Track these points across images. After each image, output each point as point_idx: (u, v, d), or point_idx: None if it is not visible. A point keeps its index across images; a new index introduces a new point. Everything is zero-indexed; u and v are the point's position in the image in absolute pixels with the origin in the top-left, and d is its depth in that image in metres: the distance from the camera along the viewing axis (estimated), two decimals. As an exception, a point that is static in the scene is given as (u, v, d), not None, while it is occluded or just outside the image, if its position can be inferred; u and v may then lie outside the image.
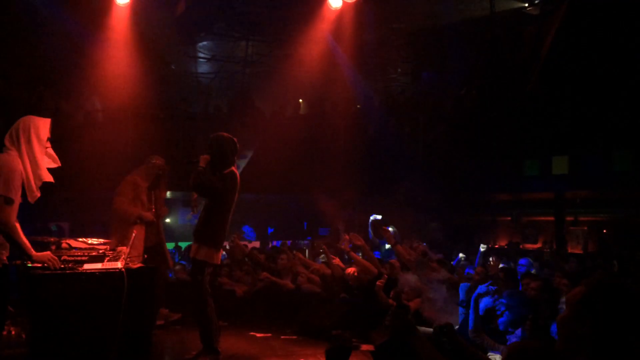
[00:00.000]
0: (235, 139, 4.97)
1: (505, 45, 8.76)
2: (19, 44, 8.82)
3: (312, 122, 11.65)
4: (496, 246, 12.07)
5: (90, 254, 4.29)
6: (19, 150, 3.79)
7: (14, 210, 3.70)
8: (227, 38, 12.16)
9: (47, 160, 3.99)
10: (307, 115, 12.48)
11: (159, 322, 6.03)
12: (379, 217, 9.82)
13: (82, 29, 9.43)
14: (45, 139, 3.93)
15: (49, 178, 3.97)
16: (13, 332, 5.38)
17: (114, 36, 9.49)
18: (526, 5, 10.20)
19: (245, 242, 9.99)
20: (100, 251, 4.38)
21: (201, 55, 13.00)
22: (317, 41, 10.81)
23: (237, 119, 11.08)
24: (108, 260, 4.25)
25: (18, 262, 3.93)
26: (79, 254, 4.28)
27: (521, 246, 11.71)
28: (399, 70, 14.06)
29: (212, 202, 4.89)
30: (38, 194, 3.90)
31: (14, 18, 8.82)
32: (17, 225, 3.79)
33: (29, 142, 3.83)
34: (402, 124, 11.82)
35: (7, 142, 3.81)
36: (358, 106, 12.70)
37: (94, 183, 9.61)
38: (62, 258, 4.14)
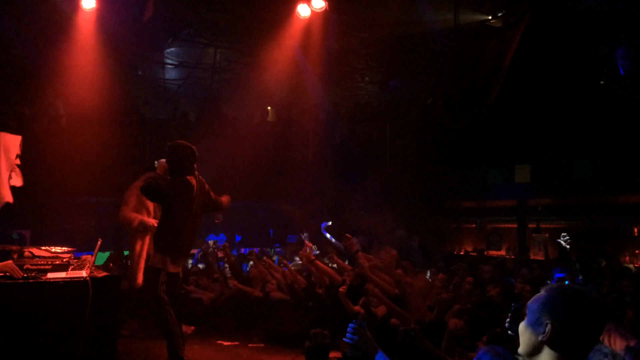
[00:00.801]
0: (193, 147, 4.99)
1: (469, 57, 8.96)
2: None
3: (280, 130, 11.66)
4: (461, 252, 12.28)
5: (54, 263, 4.23)
6: None
7: None
8: (195, 45, 12.09)
9: (13, 178, 3.93)
10: (275, 123, 12.48)
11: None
12: (329, 223, 9.96)
13: (46, 33, 9.27)
14: (14, 156, 3.85)
15: (8, 198, 3.89)
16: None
17: (79, 41, 9.34)
18: (489, 17, 10.48)
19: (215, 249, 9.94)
20: (65, 260, 4.32)
21: (169, 61, 12.90)
22: (285, 49, 10.84)
23: (205, 126, 11.02)
24: (72, 269, 4.19)
25: None
26: (43, 262, 4.22)
27: (485, 253, 11.94)
28: (367, 78, 14.21)
29: (163, 209, 4.96)
30: None
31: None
32: None
33: None
34: (370, 132, 11.94)
35: None
36: (321, 116, 12.77)
37: (57, 189, 9.41)
38: (25, 267, 4.07)
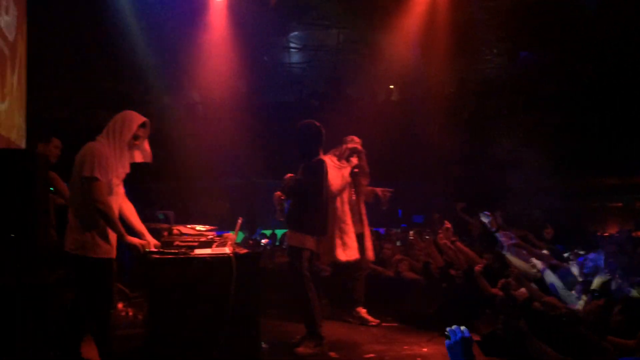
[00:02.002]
0: (320, 126, 4.97)
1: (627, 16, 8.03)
2: (126, 45, 9.33)
3: (404, 108, 11.46)
4: (605, 234, 11.30)
5: (200, 240, 4.46)
6: (106, 139, 3.92)
7: (105, 189, 3.77)
8: (317, 27, 12.19)
9: (134, 155, 4.16)
10: (399, 101, 12.29)
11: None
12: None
13: (182, 26, 9.83)
14: (131, 135, 4.02)
15: (124, 171, 4.08)
16: (130, 313, 5.74)
17: (211, 32, 9.81)
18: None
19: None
20: (209, 237, 4.55)
21: (292, 45, 13.14)
22: (408, 25, 10.57)
23: (329, 107, 11.11)
24: (216, 246, 4.40)
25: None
26: (190, 239, 4.47)
27: (633, 234, 10.89)
28: (495, 50, 13.45)
29: (302, 190, 4.96)
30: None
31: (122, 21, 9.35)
32: (124, 207, 3.99)
33: (116, 134, 3.94)
34: (499, 107, 11.34)
35: (103, 132, 3.99)
36: (451, 90, 12.31)
37: (195, 173, 10.05)
38: (175, 243, 4.34)
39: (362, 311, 5.91)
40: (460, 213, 7.68)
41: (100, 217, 3.74)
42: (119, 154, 3.97)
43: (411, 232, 8.90)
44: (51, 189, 4.87)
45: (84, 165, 3.69)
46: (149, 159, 4.27)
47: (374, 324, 5.83)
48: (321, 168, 4.91)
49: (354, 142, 6.02)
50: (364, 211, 6.08)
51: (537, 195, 9.45)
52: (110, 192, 3.85)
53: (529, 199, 9.01)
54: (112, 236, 3.92)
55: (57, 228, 4.58)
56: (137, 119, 4.08)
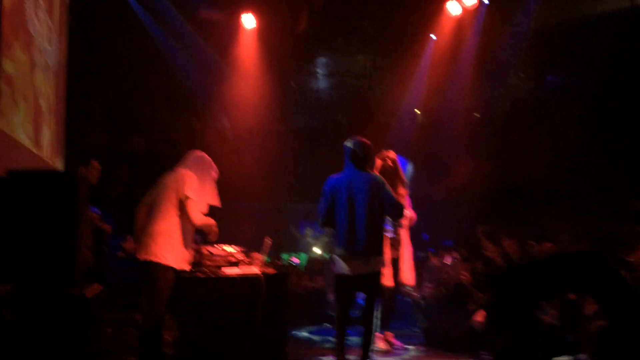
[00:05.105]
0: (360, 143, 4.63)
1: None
2: (159, 72, 9.72)
3: (431, 133, 11.52)
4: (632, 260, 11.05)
5: (229, 260, 4.60)
6: (196, 173, 4.42)
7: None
8: (344, 53, 12.42)
9: (210, 197, 4.53)
10: (425, 125, 12.36)
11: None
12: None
13: (213, 54, 10.17)
14: (214, 178, 4.58)
15: (204, 210, 4.46)
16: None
17: (241, 58, 10.12)
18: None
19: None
20: (238, 257, 4.69)
21: (319, 71, 13.39)
22: (434, 50, 10.72)
23: (357, 130, 11.23)
24: (245, 266, 4.54)
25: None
26: (219, 259, 4.62)
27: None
28: (521, 74, 13.48)
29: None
30: None
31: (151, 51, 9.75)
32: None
33: (204, 172, 4.50)
34: (527, 131, 11.32)
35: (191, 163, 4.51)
36: (477, 115, 12.35)
37: (223, 196, 10.22)
38: (205, 263, 4.49)
39: (389, 335, 5.90)
40: (480, 236, 7.61)
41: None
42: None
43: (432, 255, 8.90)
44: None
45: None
46: (218, 204, 4.62)
47: (400, 348, 5.81)
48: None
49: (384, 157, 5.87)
50: (400, 233, 5.76)
51: (566, 219, 9.34)
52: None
53: (557, 223, 8.90)
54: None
55: (94, 250, 4.81)
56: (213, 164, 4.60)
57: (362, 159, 4.52)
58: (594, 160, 9.23)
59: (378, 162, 5.67)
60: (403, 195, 5.57)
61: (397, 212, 4.55)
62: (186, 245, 4.33)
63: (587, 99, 10.07)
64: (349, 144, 4.60)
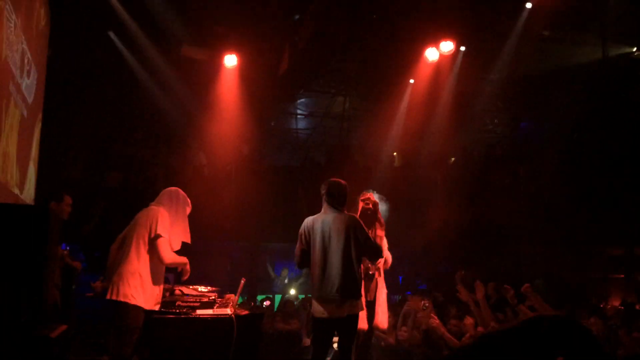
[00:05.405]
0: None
1: (618, 89, 8.38)
2: (139, 108, 9.71)
3: (408, 174, 11.63)
4: (608, 306, 11.13)
5: (201, 300, 4.50)
6: (169, 210, 4.40)
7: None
8: (324, 94, 12.60)
9: (182, 234, 4.47)
10: (402, 167, 12.48)
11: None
12: None
13: (194, 91, 10.21)
14: (186, 214, 4.55)
15: (176, 247, 4.40)
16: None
17: (221, 96, 10.17)
18: (634, 50, 9.80)
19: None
20: (211, 298, 4.59)
21: (299, 111, 13.53)
22: (412, 94, 10.94)
23: (334, 171, 11.27)
24: (217, 307, 4.44)
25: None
26: (192, 300, 4.51)
27: (637, 306, 10.73)
28: (496, 120, 13.80)
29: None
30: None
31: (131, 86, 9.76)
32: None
33: (179, 209, 4.48)
34: (502, 176, 11.49)
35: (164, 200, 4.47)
36: (452, 159, 12.55)
37: (197, 234, 10.06)
38: (177, 303, 4.38)
39: None
40: (458, 281, 7.57)
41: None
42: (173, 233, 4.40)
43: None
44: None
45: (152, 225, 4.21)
46: (188, 240, 4.56)
47: None
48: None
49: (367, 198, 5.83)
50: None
51: (540, 264, 9.43)
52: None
53: (531, 267, 8.98)
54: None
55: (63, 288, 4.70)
56: (188, 200, 4.58)
57: (337, 199, 4.47)
58: (566, 205, 9.38)
59: (360, 204, 5.66)
60: (381, 236, 5.53)
61: (374, 253, 4.54)
62: (157, 285, 4.24)
63: (561, 145, 10.30)
64: (324, 185, 4.59)
